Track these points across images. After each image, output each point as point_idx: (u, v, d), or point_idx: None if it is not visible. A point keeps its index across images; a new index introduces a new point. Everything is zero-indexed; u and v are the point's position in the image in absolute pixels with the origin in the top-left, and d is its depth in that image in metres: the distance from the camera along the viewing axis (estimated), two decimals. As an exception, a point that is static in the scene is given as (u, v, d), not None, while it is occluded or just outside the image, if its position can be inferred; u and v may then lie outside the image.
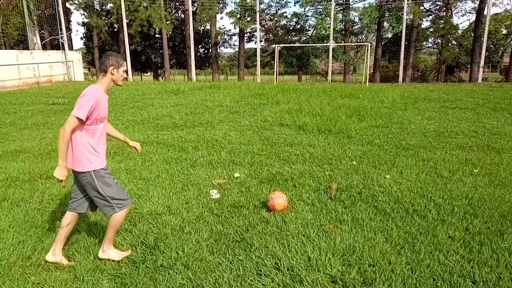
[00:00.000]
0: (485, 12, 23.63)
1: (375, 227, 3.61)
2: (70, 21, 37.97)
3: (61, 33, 24.07)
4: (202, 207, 4.10)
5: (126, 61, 3.04)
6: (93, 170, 2.85)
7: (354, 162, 5.71)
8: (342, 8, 30.87)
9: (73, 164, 2.84)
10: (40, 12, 27.12)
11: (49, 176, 5.17)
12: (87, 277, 2.88)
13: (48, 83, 21.03)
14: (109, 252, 3.10)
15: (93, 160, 2.85)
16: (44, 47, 27.21)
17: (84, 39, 41.90)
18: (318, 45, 30.71)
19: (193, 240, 3.39)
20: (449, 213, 3.88)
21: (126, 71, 3.05)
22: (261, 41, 37.49)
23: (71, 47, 29.96)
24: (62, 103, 12.53)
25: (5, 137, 7.72)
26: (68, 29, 31.70)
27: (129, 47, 26.16)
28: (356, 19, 31.56)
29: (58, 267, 3.01)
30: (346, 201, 4.23)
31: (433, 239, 3.36)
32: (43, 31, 29.61)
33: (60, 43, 24.45)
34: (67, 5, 33.10)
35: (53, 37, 29.37)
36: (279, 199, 3.93)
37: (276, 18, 36.61)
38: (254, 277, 2.86)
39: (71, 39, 33.71)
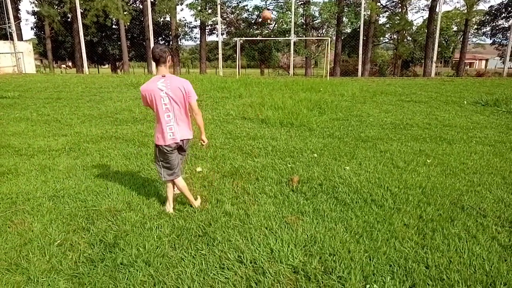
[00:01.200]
0: (437, 10, 24.76)
1: (336, 217, 3.70)
2: (19, 9, 35.71)
3: (8, 22, 22.63)
4: (164, 203, 4.03)
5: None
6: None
7: (315, 155, 5.82)
8: (302, 2, 31.19)
9: (189, 135, 3.75)
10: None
11: (-2, 174, 4.87)
12: (42, 278, 2.75)
13: (-5, 76, 19.74)
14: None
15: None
16: (-10, 37, 25.49)
17: (34, 29, 39.67)
18: (279, 39, 30.90)
19: (155, 236, 3.33)
20: (404, 202, 4.05)
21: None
22: (222, 34, 37.22)
23: (20, 38, 28.23)
24: (12, 97, 11.82)
25: None
26: (17, 18, 29.81)
27: (84, 38, 25.06)
28: (317, 14, 32.04)
29: (9, 268, 2.86)
30: (307, 193, 4.31)
31: (390, 227, 3.50)
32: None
33: (8, 33, 22.99)
34: (16, -8, 31.13)
35: (0, 26, 27.56)
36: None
37: (237, 11, 36.42)
38: (217, 271, 2.85)
39: (20, 29, 31.68)
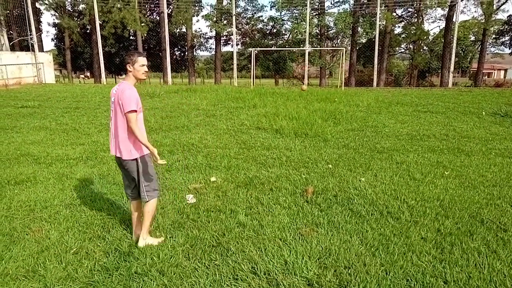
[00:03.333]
0: (454, 19, 24.50)
1: (351, 229, 3.65)
2: (41, 21, 36.79)
3: (30, 34, 23.32)
4: (178, 213, 4.04)
5: (144, 56, 3.04)
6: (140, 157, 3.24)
7: (330, 165, 5.78)
8: (317, 13, 31.31)
9: (119, 153, 3.21)
10: (8, 12, 26.23)
11: (18, 181, 4.98)
12: (58, 286, 2.78)
13: (17, 86, 20.31)
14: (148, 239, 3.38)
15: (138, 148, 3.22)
16: (12, 48, 26.29)
17: (55, 40, 40.79)
18: (294, 49, 31.00)
19: (169, 246, 3.33)
20: (421, 215, 3.97)
21: (147, 65, 3.24)
22: (237, 44, 37.56)
23: (41, 49, 29.05)
24: (32, 106, 12.12)
25: (-30, 142, 7.38)
26: (38, 30, 30.72)
27: (103, 49, 25.63)
28: (331, 24, 32.08)
29: (26, 275, 2.90)
30: (322, 204, 4.27)
31: (407, 240, 3.43)
32: (11, 32, 28.63)
33: (30, 44, 23.68)
34: (37, 5, 32.12)
35: (22, 38, 28.43)
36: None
37: (252, 22, 36.74)
38: (230, 281, 2.83)
39: (41, 40, 32.67)
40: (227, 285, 2.80)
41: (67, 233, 3.56)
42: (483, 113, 10.92)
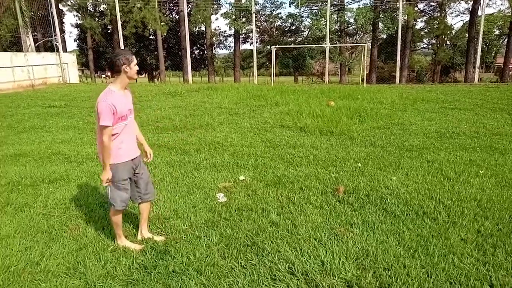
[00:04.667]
0: (479, 13, 23.81)
1: (386, 230, 3.58)
2: (63, 22, 37.70)
3: (55, 35, 23.87)
4: (210, 211, 4.05)
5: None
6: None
7: (359, 164, 5.69)
8: (337, 9, 30.95)
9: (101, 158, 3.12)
10: (32, 13, 26.89)
11: (52, 180, 5.09)
12: (99, 283, 2.82)
13: (43, 86, 20.83)
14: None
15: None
16: (37, 49, 26.97)
17: (77, 40, 41.63)
18: (313, 46, 30.75)
19: (204, 245, 3.34)
20: (459, 215, 3.86)
21: (137, 64, 3.10)
22: (256, 42, 37.49)
23: (64, 49, 29.72)
24: (59, 106, 12.39)
25: (3, 141, 7.60)
26: (62, 31, 31.46)
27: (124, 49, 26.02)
28: (351, 20, 31.67)
29: (67, 273, 2.95)
30: (354, 204, 4.20)
31: (446, 241, 3.34)
32: (36, 33, 29.36)
33: (54, 45, 24.25)
34: (60, 6, 32.84)
35: (47, 39, 29.14)
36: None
37: (271, 19, 36.63)
38: (268, 282, 2.81)
39: (64, 41, 33.47)
40: (265, 285, 2.78)
41: (103, 231, 3.61)
42: (514, 109, 10.56)
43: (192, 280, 2.84)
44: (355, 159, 5.95)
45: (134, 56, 3.05)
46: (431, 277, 2.83)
